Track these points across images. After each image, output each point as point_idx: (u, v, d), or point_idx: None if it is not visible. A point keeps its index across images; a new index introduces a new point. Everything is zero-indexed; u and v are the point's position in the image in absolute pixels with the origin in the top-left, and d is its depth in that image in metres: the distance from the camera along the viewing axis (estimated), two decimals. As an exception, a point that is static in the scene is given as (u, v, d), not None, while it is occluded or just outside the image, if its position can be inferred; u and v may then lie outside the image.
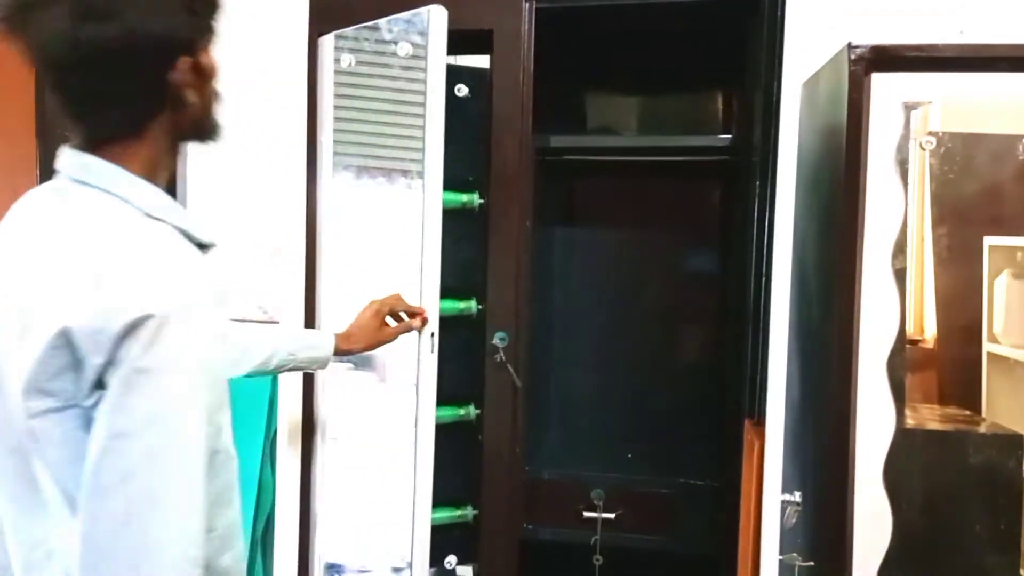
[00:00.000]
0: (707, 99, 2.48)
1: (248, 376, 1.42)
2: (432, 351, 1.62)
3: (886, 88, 1.40)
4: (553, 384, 2.44)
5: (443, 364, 1.64)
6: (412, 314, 1.60)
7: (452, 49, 1.71)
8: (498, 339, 1.81)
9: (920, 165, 1.62)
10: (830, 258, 1.27)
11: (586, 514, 2.10)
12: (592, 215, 2.53)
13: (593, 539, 2.10)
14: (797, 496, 1.40)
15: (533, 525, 2.09)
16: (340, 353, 1.53)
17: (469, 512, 1.87)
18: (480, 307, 1.85)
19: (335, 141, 1.79)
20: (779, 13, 1.71)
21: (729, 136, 2.25)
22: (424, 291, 1.63)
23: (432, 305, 1.63)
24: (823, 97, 1.39)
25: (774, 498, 1.58)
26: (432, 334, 1.62)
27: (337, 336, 1.52)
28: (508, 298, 1.84)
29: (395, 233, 1.72)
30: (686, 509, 2.13)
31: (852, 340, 1.19)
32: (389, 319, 1.58)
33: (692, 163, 2.32)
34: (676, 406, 2.37)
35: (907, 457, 1.50)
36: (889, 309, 1.54)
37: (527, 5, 1.83)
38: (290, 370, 1.49)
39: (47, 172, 2.01)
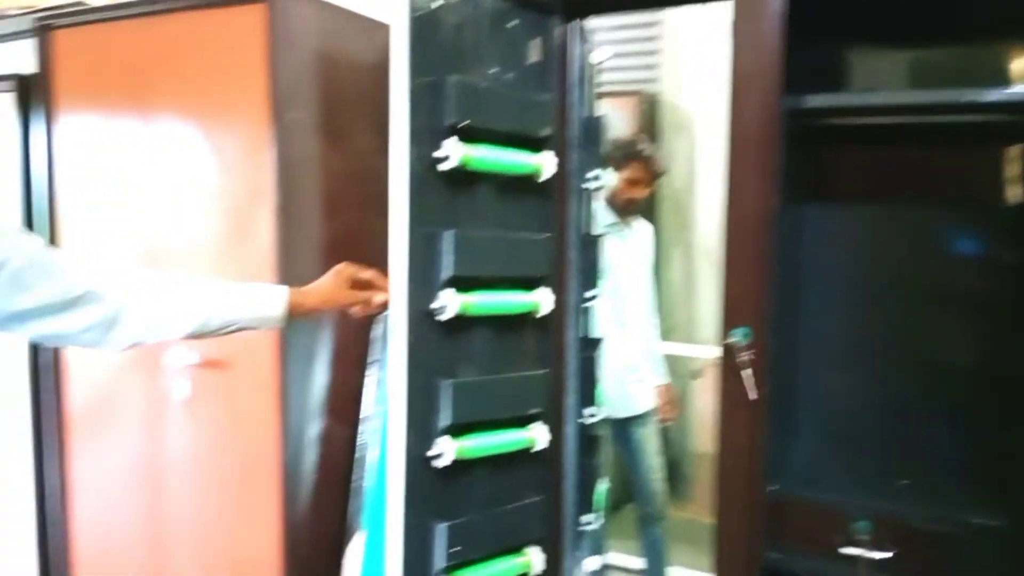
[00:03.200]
0: (1004, 45, 1.96)
1: (192, 338, 1.36)
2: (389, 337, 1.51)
3: None
4: (804, 387, 2.07)
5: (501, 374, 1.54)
6: (371, 287, 1.54)
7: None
8: (739, 336, 1.54)
9: None
10: None
11: (844, 550, 1.72)
12: (850, 191, 2.10)
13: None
14: None
15: (779, 555, 1.76)
16: (294, 309, 1.45)
17: (530, 561, 1.68)
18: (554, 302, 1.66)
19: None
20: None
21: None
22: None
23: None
24: None
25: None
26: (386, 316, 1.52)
27: (292, 291, 1.44)
28: (750, 288, 1.56)
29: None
30: (982, 557, 1.67)
31: None
32: None
33: (976, 125, 1.84)
34: (968, 417, 1.91)
35: None
36: None
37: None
38: (239, 330, 1.40)
39: (282, 154, 2.09)
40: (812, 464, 1.96)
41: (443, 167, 1.54)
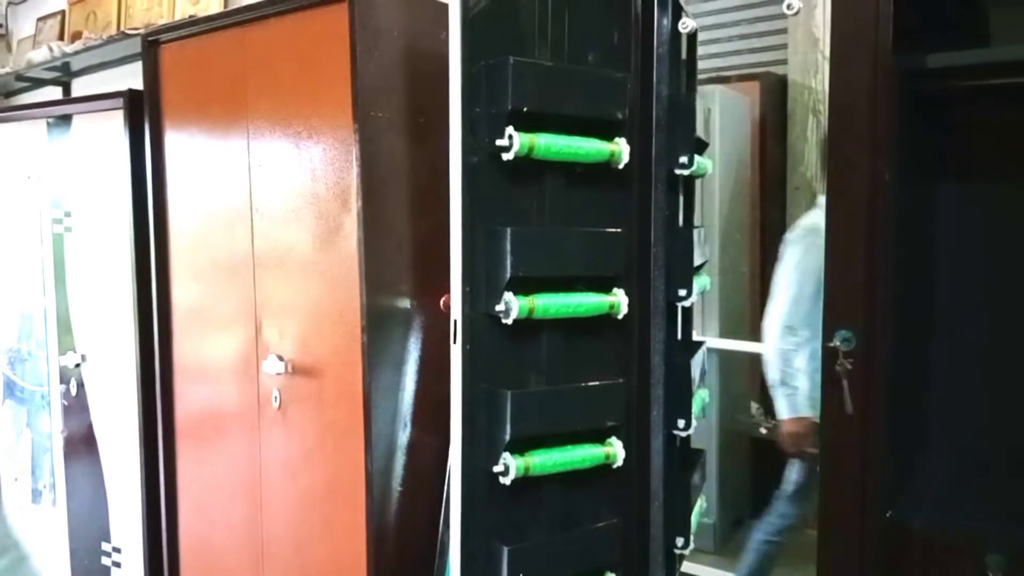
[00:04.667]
0: None
1: None
2: (454, 342, 1.38)
3: None
4: (934, 399, 1.76)
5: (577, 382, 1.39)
6: None
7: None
8: (840, 340, 1.32)
9: None
10: None
11: (976, 585, 1.45)
12: (988, 165, 1.77)
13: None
14: None
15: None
16: None
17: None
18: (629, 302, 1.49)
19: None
20: None
21: None
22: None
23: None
24: None
25: None
26: (455, 321, 1.39)
27: None
28: (855, 283, 1.33)
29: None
30: None
31: None
32: None
33: None
34: None
35: None
36: None
37: None
38: None
39: (366, 155, 2.05)
40: (941, 487, 1.66)
41: (505, 157, 1.42)
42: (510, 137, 1.40)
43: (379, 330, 1.98)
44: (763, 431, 3.42)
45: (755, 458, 3.42)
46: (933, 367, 1.72)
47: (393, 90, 2.05)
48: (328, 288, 2.06)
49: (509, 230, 1.41)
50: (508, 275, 1.40)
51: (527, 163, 1.44)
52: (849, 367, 1.26)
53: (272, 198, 2.18)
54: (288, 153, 2.12)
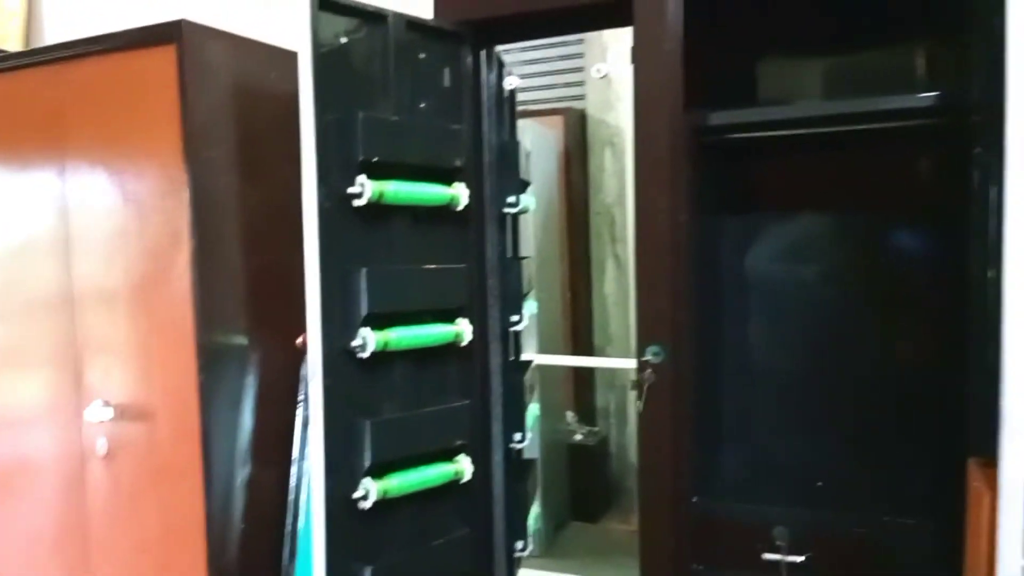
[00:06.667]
0: (906, 48, 2.03)
1: None
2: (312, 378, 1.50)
3: None
4: (726, 399, 2.10)
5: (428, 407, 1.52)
6: None
7: (590, 23, 1.49)
8: (651, 354, 1.56)
9: None
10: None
11: (766, 556, 1.77)
12: (769, 200, 2.15)
13: (776, 587, 1.77)
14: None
15: (704, 567, 1.79)
16: None
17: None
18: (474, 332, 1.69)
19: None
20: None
21: (938, 93, 1.81)
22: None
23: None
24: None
25: (1014, 569, 1.21)
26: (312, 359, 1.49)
27: None
28: (663, 306, 1.58)
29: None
30: (892, 554, 1.74)
31: None
32: None
33: (890, 130, 1.90)
34: (878, 423, 1.97)
35: None
36: None
37: (672, -38, 1.56)
38: None
39: (198, 193, 2.05)
40: (737, 475, 2.00)
41: (356, 203, 1.53)
42: (362, 185, 1.51)
43: (215, 368, 1.99)
44: (578, 437, 3.72)
45: (572, 464, 3.69)
46: (727, 375, 2.06)
47: (223, 129, 2.07)
48: (160, 327, 2.04)
49: (364, 271, 1.52)
50: (364, 312, 1.51)
51: (377, 207, 1.55)
52: (652, 378, 1.51)
53: (94, 235, 2.11)
54: (112, 191, 2.07)
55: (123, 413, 2.08)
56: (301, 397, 2.04)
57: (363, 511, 1.50)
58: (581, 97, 4.20)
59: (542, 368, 3.54)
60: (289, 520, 2.01)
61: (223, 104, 2.08)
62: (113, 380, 2.10)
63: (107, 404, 2.08)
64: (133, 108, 2.06)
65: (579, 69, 4.21)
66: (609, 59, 4.03)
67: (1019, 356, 1.24)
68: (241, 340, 2.07)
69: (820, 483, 1.89)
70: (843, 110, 1.83)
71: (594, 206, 4.01)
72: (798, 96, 2.09)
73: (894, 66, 2.04)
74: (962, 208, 1.53)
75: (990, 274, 1.32)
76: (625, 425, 3.91)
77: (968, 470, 1.41)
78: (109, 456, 2.11)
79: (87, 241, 2.12)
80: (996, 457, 1.26)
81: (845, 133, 1.95)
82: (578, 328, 3.84)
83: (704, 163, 1.92)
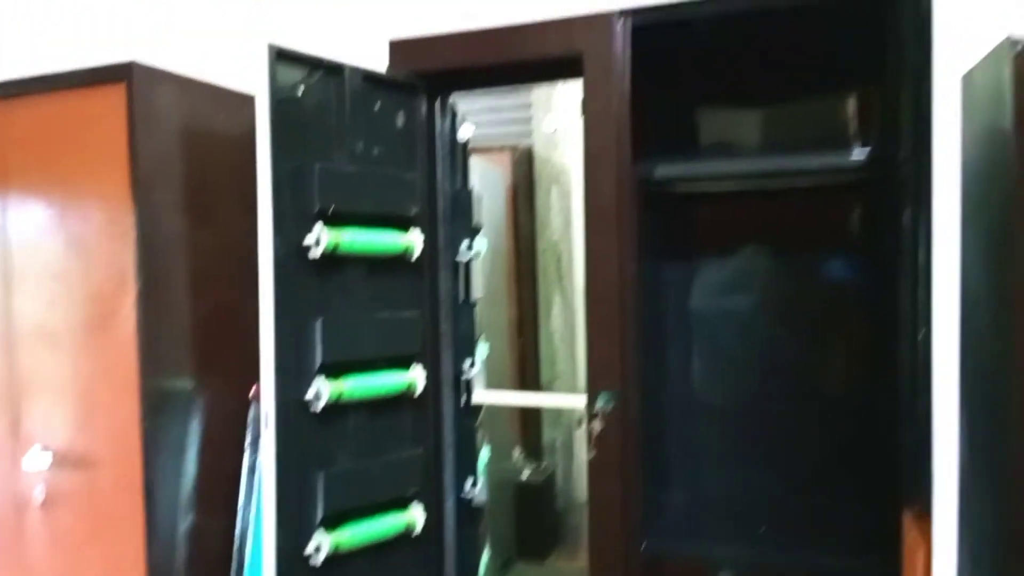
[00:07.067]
0: (839, 104, 2.15)
1: None
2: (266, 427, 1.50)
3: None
4: (671, 443, 2.16)
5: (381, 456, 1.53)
6: None
7: (542, 75, 1.54)
8: (601, 402, 1.60)
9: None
10: (1005, 287, 0.99)
11: (714, 595, 1.82)
12: (710, 242, 2.24)
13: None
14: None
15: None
16: None
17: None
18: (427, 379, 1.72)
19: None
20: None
21: (868, 149, 1.92)
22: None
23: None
24: (980, 96, 1.10)
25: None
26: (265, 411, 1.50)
27: None
28: (612, 353, 1.62)
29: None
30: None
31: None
32: None
33: (825, 185, 2.01)
34: (818, 459, 2.04)
35: None
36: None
37: (620, 23, 1.63)
38: None
39: (144, 236, 2.02)
40: (684, 514, 2.04)
41: (312, 254, 1.54)
42: (318, 237, 1.52)
43: (160, 413, 1.95)
44: (525, 476, 3.73)
45: (519, 502, 3.69)
46: (672, 415, 2.12)
47: (172, 170, 2.05)
48: (103, 370, 1.99)
49: (320, 321, 1.52)
50: (319, 362, 1.52)
51: (332, 257, 1.56)
52: (599, 426, 1.55)
53: (36, 274, 2.06)
54: (56, 230, 2.03)
55: (63, 460, 2.02)
56: (248, 441, 2.02)
57: (314, 567, 1.49)
58: (528, 135, 4.26)
59: (489, 406, 3.55)
60: (234, 570, 1.97)
61: (172, 146, 2.06)
62: (53, 425, 2.04)
63: (46, 449, 2.02)
64: (80, 148, 2.03)
65: (527, 105, 4.28)
66: (554, 103, 4.12)
67: (946, 404, 1.32)
68: (187, 385, 2.04)
69: (763, 527, 1.95)
70: (780, 166, 1.93)
71: (541, 243, 4.06)
72: (740, 144, 2.20)
73: (829, 117, 2.16)
74: (894, 245, 1.61)
75: (920, 335, 1.40)
76: (572, 460, 3.94)
77: (903, 521, 1.47)
78: (47, 505, 2.04)
79: (28, 279, 2.07)
80: (929, 510, 1.33)
81: (782, 187, 2.05)
82: (525, 364, 3.86)
83: (649, 210, 1.99)
